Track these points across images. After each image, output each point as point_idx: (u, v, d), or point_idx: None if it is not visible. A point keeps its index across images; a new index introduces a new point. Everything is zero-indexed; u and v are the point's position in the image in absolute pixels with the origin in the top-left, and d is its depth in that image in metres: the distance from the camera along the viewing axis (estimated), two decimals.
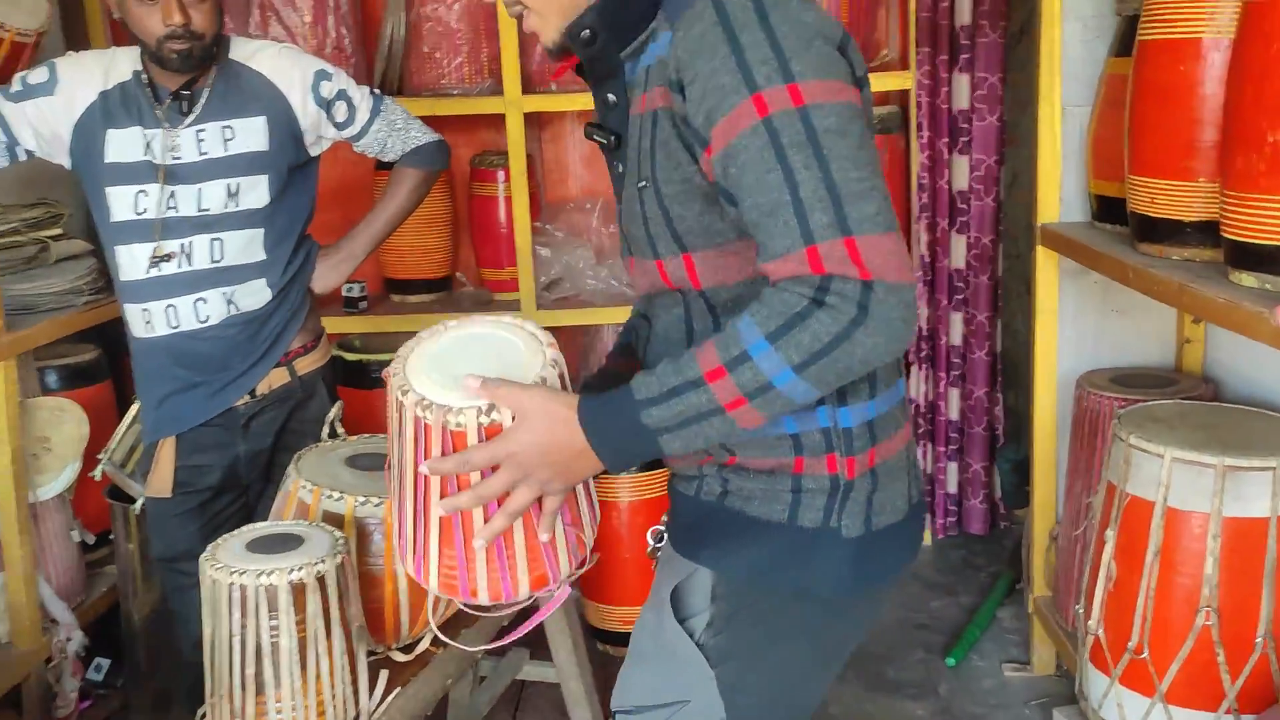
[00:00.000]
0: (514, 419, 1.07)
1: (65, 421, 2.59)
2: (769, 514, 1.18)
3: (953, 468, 3.39)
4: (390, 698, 1.53)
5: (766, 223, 1.02)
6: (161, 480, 2.07)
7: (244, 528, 1.56)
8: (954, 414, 3.36)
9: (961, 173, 3.24)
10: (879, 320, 0.99)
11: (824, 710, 2.56)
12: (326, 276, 2.20)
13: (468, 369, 1.10)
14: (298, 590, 1.41)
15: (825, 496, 1.16)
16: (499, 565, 1.13)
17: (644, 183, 1.14)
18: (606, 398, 1.08)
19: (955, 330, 3.31)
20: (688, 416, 1.05)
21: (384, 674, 1.53)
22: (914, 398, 3.38)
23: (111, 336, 2.81)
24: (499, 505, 1.10)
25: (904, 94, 3.33)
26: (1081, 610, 2.09)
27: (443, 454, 1.09)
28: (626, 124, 1.18)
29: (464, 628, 1.85)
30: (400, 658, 1.69)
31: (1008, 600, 3.03)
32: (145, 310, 2.00)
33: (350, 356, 3.12)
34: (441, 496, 1.11)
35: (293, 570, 1.40)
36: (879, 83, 3.26)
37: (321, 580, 1.43)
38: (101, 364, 2.93)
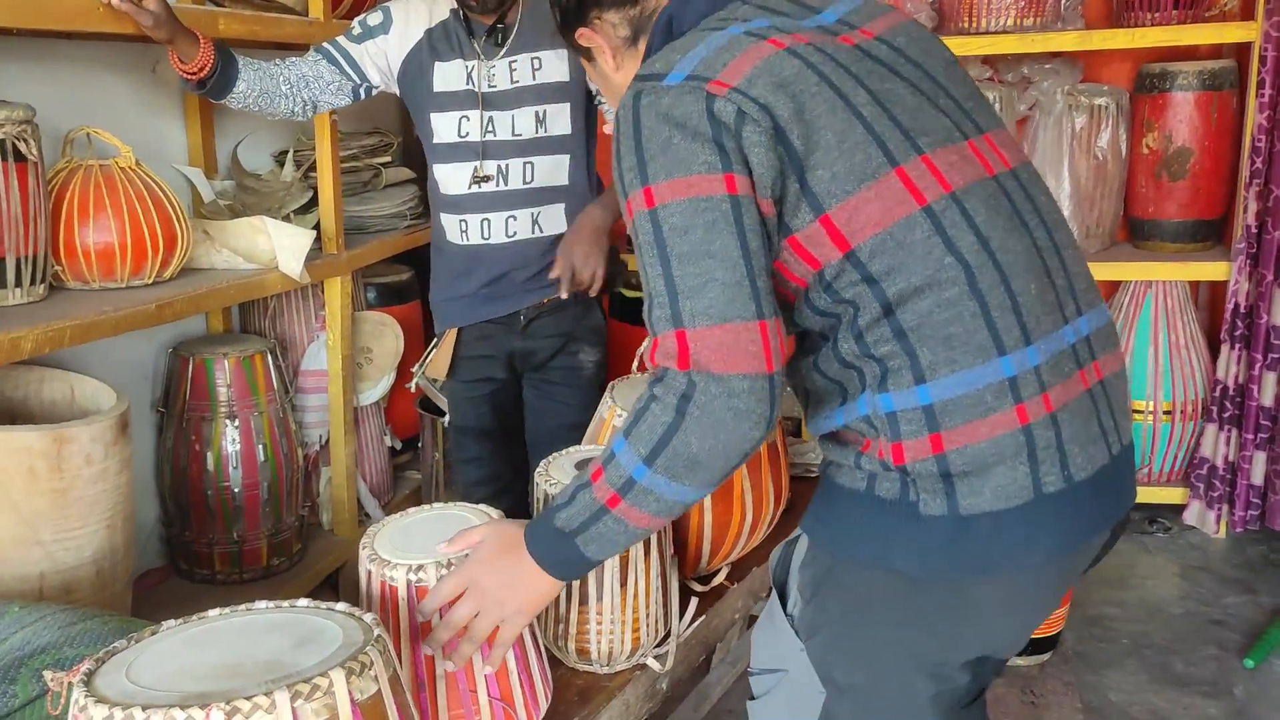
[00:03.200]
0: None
1: (385, 335, 2.82)
2: (852, 483, 1.17)
3: (1260, 457, 3.12)
4: (697, 622, 1.59)
5: (649, 299, 1.12)
6: (441, 363, 2.30)
7: (572, 449, 1.65)
8: (1268, 400, 3.08)
9: None
10: (702, 411, 1.05)
11: (1102, 696, 2.46)
12: (589, 255, 2.17)
13: (425, 541, 1.28)
14: None
15: (898, 482, 1.12)
16: None
17: None
18: (539, 514, 1.22)
19: (1278, 309, 3.02)
20: (585, 519, 1.15)
21: (694, 600, 1.59)
22: (1222, 379, 3.12)
23: (422, 259, 3.04)
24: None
25: (1243, 47, 3.05)
26: None
27: (393, 608, 1.23)
28: None
29: (755, 565, 1.90)
30: (698, 588, 1.75)
31: None
32: (463, 221, 2.20)
33: (629, 293, 3.22)
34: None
35: None
36: (1213, 34, 3.00)
37: None
38: (413, 284, 3.17)
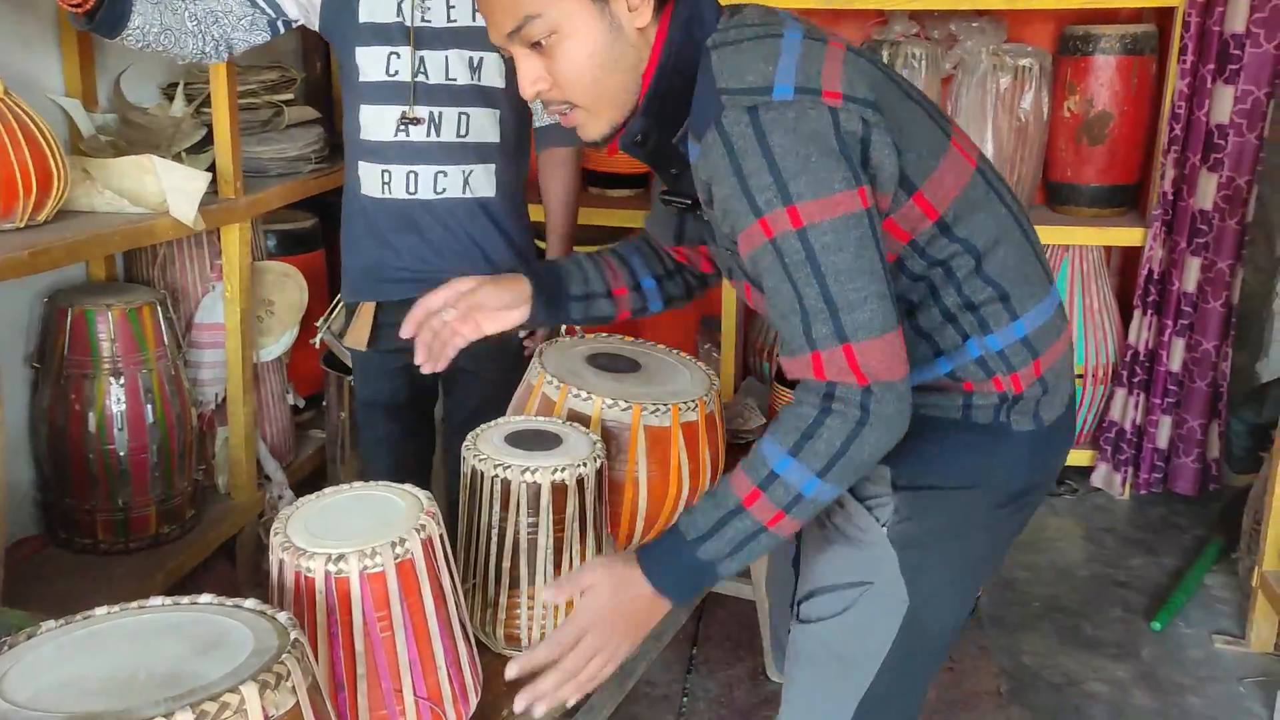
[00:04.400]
0: (582, 594, 1.21)
1: (288, 287, 2.64)
2: (945, 413, 1.30)
3: (1166, 422, 3.18)
4: None
5: (782, 324, 1.17)
6: (359, 335, 2.11)
7: (500, 420, 1.54)
8: (1175, 365, 3.14)
9: (1224, 104, 2.95)
10: (879, 418, 1.14)
11: (1015, 660, 2.48)
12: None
13: (344, 526, 1.17)
14: (558, 490, 1.38)
15: (994, 407, 1.29)
16: None
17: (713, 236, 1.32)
18: (661, 547, 1.22)
19: (1190, 276, 3.06)
20: (738, 541, 1.18)
21: None
22: (1133, 344, 3.16)
23: (324, 206, 2.85)
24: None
25: (1164, 12, 3.05)
26: None
27: (327, 605, 1.11)
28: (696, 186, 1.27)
29: None
30: None
31: (1216, 567, 2.86)
32: (386, 171, 2.00)
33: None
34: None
35: (556, 470, 1.37)
36: None
37: (581, 483, 1.39)
38: (317, 232, 2.99)
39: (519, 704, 1.21)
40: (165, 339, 2.28)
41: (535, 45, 1.20)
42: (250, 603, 1.00)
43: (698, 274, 1.65)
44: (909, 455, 1.25)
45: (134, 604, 1.00)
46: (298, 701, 0.88)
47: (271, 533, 1.16)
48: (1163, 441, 3.20)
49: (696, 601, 2.37)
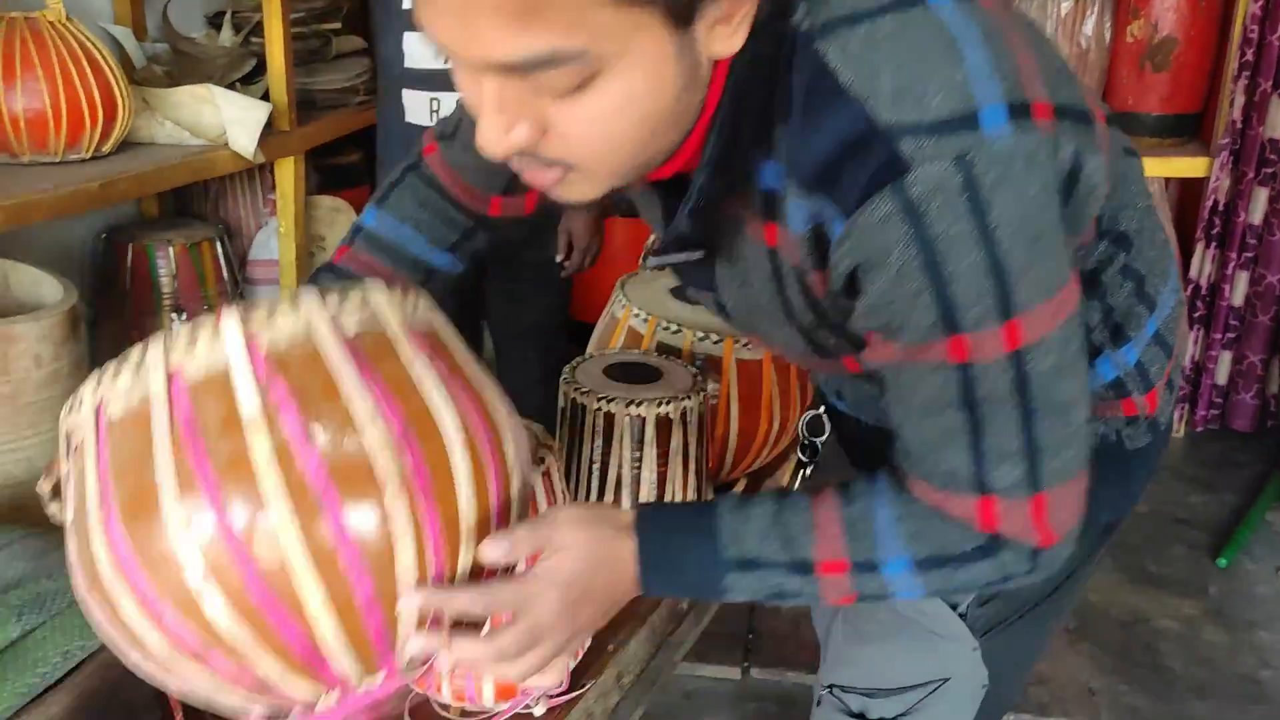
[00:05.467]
0: (550, 555, 0.82)
1: (339, 222, 2.60)
2: None
3: (1225, 357, 3.13)
4: None
5: (927, 453, 0.81)
6: None
7: (594, 352, 1.50)
8: (1238, 300, 3.08)
9: None
10: (1044, 569, 0.84)
11: (1081, 597, 2.45)
12: (589, 231, 2.11)
13: None
14: (663, 424, 1.34)
15: (1115, 432, 0.99)
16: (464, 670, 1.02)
17: (786, 313, 0.87)
18: (678, 547, 0.85)
19: (1257, 207, 2.99)
20: (774, 592, 0.85)
21: None
22: (1194, 278, 3.10)
23: (369, 140, 2.79)
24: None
25: None
26: None
27: None
28: (715, 229, 0.85)
29: (767, 477, 1.80)
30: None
31: (1278, 503, 2.83)
32: (434, 100, 1.96)
33: None
34: None
35: (661, 403, 1.34)
36: None
37: (685, 416, 1.36)
38: (363, 167, 2.92)
39: (406, 605, 0.75)
40: (225, 275, 2.24)
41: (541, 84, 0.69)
42: None
43: (506, 221, 1.21)
44: None
45: None
46: (385, 331, 0.78)
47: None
48: (1222, 378, 3.15)
49: None
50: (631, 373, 1.43)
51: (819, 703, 1.18)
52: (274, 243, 2.42)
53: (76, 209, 1.67)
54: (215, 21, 2.50)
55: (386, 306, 0.78)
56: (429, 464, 0.74)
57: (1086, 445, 0.81)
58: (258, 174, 2.47)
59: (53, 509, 0.84)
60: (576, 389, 1.37)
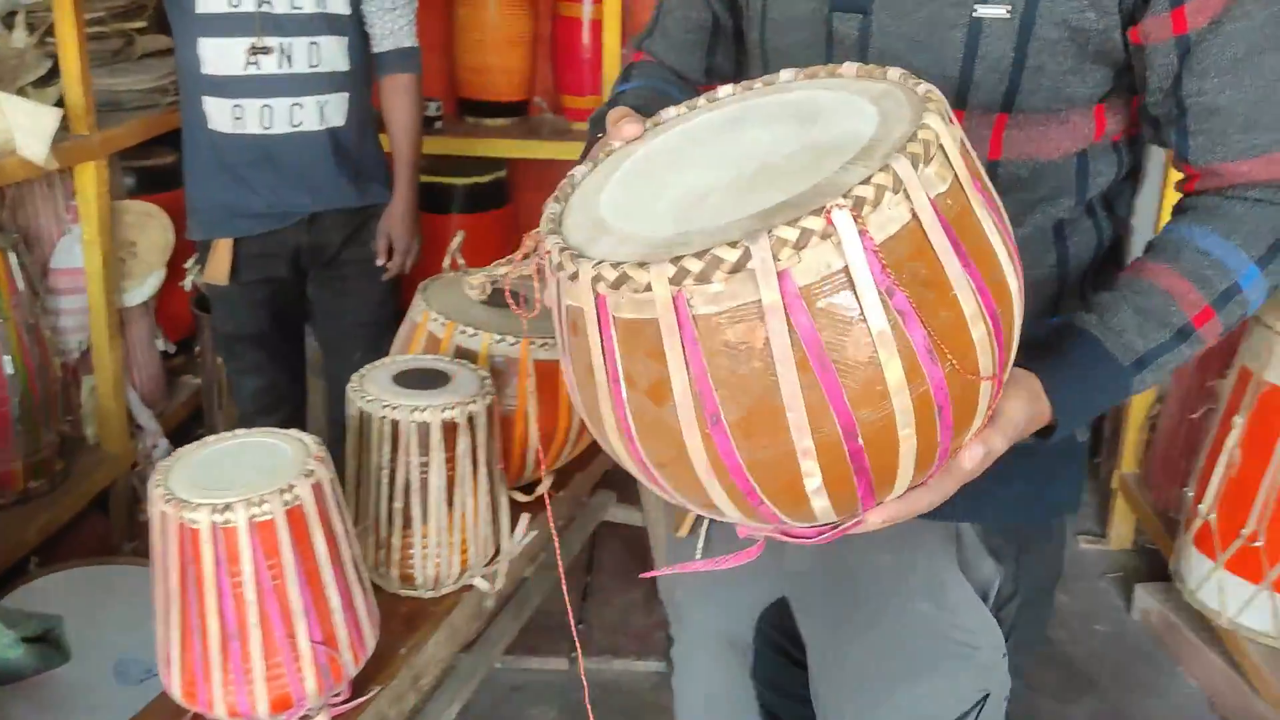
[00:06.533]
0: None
1: (151, 227, 2.53)
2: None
3: None
4: (529, 537, 1.51)
5: (1246, 112, 0.85)
6: (219, 270, 2.07)
7: (386, 359, 1.51)
8: None
9: None
10: None
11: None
12: (408, 233, 2.14)
13: (229, 475, 1.13)
14: (449, 429, 1.37)
15: None
16: (235, 679, 1.10)
17: (1006, 7, 0.88)
18: (1094, 378, 0.86)
19: None
20: (1168, 369, 0.89)
21: (525, 517, 1.51)
22: None
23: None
24: None
25: None
26: (1191, 493, 2.06)
27: (215, 556, 1.07)
28: None
29: (577, 472, 1.84)
30: (522, 498, 1.68)
31: None
32: (237, 106, 1.96)
33: (422, 178, 3.02)
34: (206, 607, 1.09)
35: (445, 409, 1.36)
36: None
37: (472, 420, 1.39)
38: (179, 169, 2.84)
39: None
40: (20, 285, 2.16)
41: None
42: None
43: None
44: (990, 501, 0.92)
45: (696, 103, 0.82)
46: (955, 176, 0.66)
47: (151, 484, 1.12)
48: None
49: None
50: (421, 379, 1.45)
51: None
52: (78, 250, 2.34)
53: None
54: (8, 22, 2.39)
55: (950, 141, 0.66)
56: (1004, 345, 0.70)
57: None
58: (58, 179, 2.38)
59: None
60: (362, 397, 1.39)
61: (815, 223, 0.60)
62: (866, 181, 0.61)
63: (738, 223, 0.64)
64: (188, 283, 2.33)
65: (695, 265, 0.61)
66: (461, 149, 3.04)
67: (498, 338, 1.59)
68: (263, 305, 2.13)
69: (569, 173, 0.79)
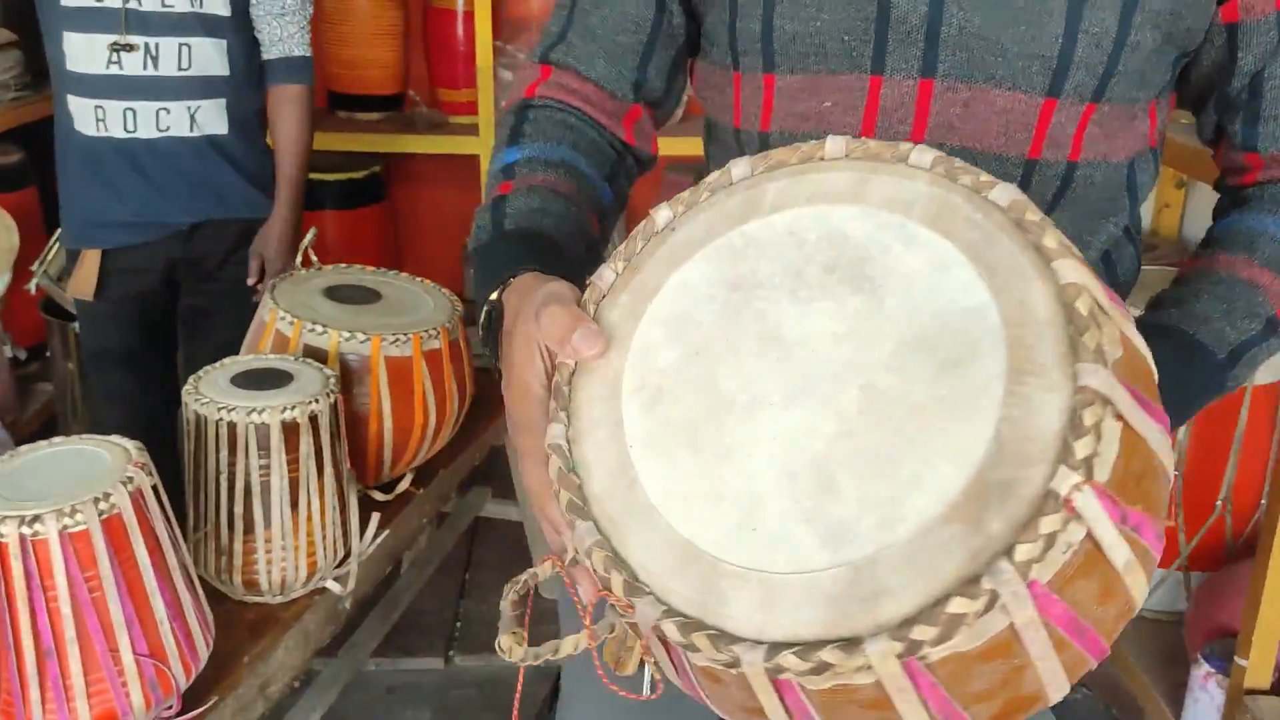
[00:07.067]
0: None
1: None
2: None
3: None
4: (380, 538, 1.49)
5: None
6: (84, 284, 1.96)
7: (226, 360, 1.46)
8: None
9: None
10: None
11: None
12: (283, 255, 2.01)
13: (40, 484, 1.07)
14: (290, 429, 1.33)
15: None
16: (55, 696, 1.06)
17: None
18: (1177, 374, 0.76)
19: None
20: (1257, 365, 0.83)
21: (375, 516, 1.48)
22: None
23: (35, 138, 2.60)
24: None
25: None
26: None
27: (25, 571, 1.02)
28: None
29: (441, 468, 1.82)
30: (380, 497, 1.65)
31: None
32: (99, 108, 1.86)
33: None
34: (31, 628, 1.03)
35: (285, 409, 1.32)
36: None
37: (314, 420, 1.35)
38: (26, 168, 2.72)
39: None
40: None
41: None
42: None
43: (640, 157, 0.94)
44: None
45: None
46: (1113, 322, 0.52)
47: None
48: None
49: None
50: (262, 379, 1.41)
51: None
52: None
53: None
54: None
55: (1098, 291, 0.51)
56: None
57: None
58: None
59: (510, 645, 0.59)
60: (197, 400, 1.34)
61: (1056, 520, 0.46)
62: (1077, 422, 0.47)
63: (938, 540, 0.47)
64: (33, 285, 2.23)
65: (928, 632, 0.46)
66: (334, 144, 2.98)
67: (347, 335, 1.55)
68: (131, 323, 2.01)
69: (549, 428, 0.58)
